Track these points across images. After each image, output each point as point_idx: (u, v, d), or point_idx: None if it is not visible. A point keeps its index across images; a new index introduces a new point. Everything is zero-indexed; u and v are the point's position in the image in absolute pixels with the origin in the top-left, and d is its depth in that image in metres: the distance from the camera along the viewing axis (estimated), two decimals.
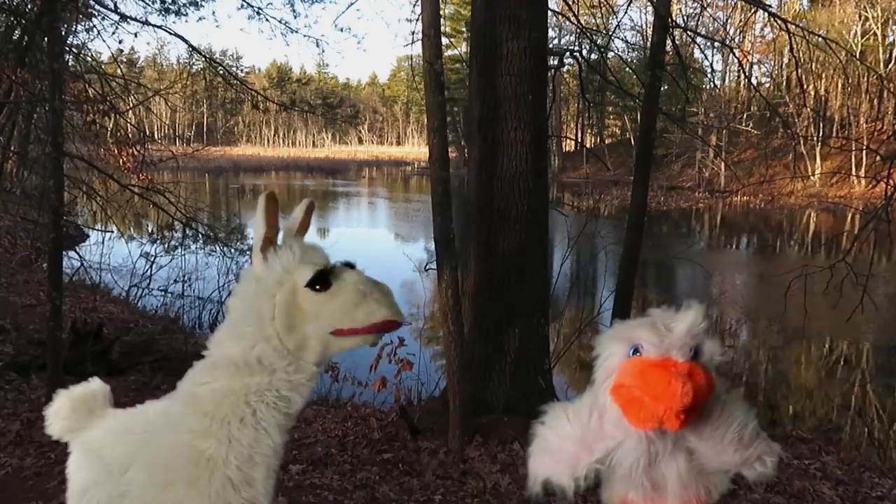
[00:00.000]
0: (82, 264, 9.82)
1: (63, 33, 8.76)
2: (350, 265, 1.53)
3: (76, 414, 1.80)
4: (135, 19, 10.27)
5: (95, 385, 1.88)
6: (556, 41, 34.88)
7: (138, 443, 1.62)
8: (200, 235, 9.54)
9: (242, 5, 10.62)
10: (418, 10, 4.82)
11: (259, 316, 1.49)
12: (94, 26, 10.64)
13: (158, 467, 1.53)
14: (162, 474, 1.51)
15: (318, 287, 1.45)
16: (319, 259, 1.50)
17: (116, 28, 10.47)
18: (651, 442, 1.24)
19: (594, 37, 8.15)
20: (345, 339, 1.47)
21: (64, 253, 5.91)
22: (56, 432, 1.82)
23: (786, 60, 38.61)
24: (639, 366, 1.25)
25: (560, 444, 1.29)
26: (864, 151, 26.06)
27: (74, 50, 10.97)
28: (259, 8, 10.67)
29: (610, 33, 9.40)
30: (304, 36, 29.74)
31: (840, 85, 35.50)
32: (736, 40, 30.90)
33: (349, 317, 1.43)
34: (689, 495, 1.24)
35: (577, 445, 1.27)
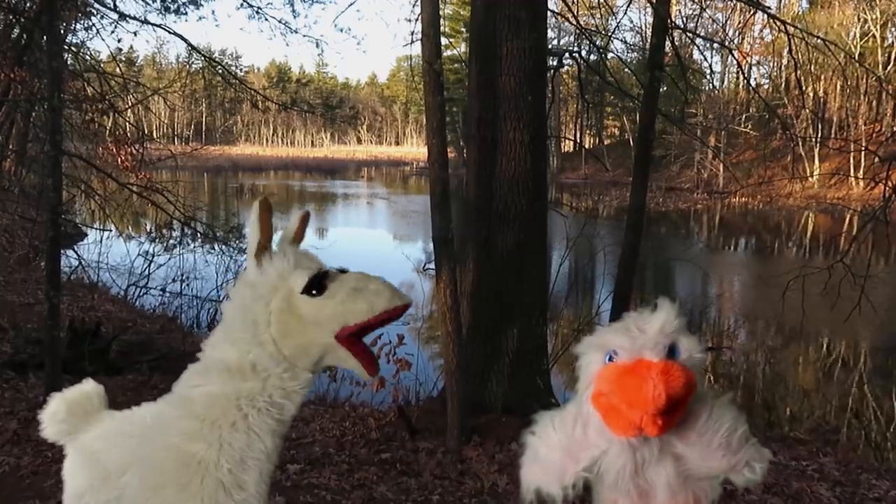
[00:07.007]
0: (80, 263, 9.82)
1: (62, 32, 8.77)
2: (343, 271, 1.53)
3: (72, 417, 1.78)
4: (134, 18, 10.28)
5: (89, 386, 1.85)
6: (555, 42, 34.91)
7: (134, 446, 1.61)
8: (199, 234, 9.54)
9: (242, 5, 10.63)
10: (418, 10, 4.83)
11: (254, 322, 1.48)
12: (93, 25, 10.65)
13: (150, 470, 1.52)
14: (153, 477, 1.51)
15: (314, 292, 1.45)
16: (313, 264, 1.50)
17: (115, 27, 10.46)
18: (635, 449, 1.24)
19: (593, 37, 8.16)
20: (345, 351, 1.47)
21: (62, 252, 5.90)
22: (52, 435, 1.80)
23: (785, 62, 38.66)
24: (614, 373, 1.25)
25: (547, 453, 1.30)
26: (863, 153, 26.06)
27: (73, 48, 10.97)
28: (259, 7, 10.70)
29: (609, 34, 9.42)
30: (304, 36, 29.79)
31: (839, 87, 35.52)
32: (735, 42, 30.86)
33: (352, 312, 1.43)
34: (677, 502, 1.24)
35: (563, 455, 1.28)
